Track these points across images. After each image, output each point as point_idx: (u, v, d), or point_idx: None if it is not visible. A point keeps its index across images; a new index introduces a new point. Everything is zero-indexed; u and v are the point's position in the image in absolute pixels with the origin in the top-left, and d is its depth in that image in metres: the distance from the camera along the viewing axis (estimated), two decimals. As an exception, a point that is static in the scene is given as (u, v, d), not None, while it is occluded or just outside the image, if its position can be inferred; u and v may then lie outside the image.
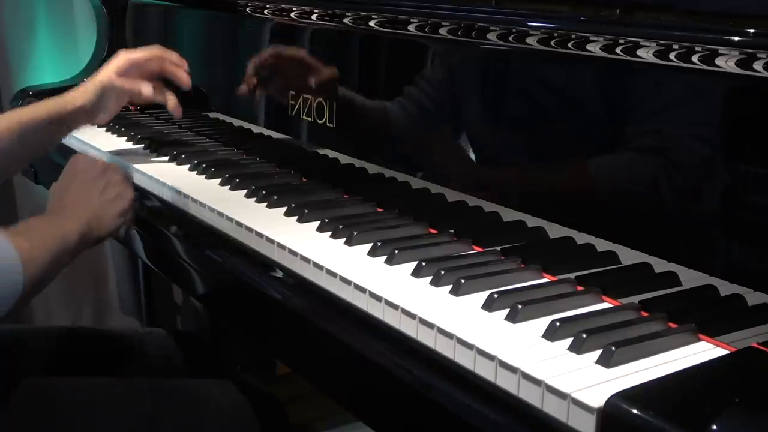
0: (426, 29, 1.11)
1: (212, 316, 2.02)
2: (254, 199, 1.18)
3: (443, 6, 1.11)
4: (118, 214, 1.17)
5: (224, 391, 1.13)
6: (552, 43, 0.95)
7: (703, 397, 0.65)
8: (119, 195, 1.18)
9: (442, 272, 0.88)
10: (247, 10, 1.47)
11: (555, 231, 1.00)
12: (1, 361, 1.19)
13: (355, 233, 1.00)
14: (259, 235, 1.04)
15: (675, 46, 0.83)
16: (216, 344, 1.98)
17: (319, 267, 0.94)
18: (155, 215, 1.27)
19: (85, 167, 1.19)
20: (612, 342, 0.71)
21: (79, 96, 1.34)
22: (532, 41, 0.97)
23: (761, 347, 0.72)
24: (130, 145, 1.54)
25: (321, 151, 1.35)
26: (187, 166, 1.36)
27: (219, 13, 1.59)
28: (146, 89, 1.38)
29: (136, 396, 1.09)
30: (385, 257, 0.95)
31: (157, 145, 1.48)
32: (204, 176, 1.30)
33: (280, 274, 1.00)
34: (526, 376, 0.69)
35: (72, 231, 1.08)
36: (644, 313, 0.80)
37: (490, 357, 0.72)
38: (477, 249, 0.99)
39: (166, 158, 1.42)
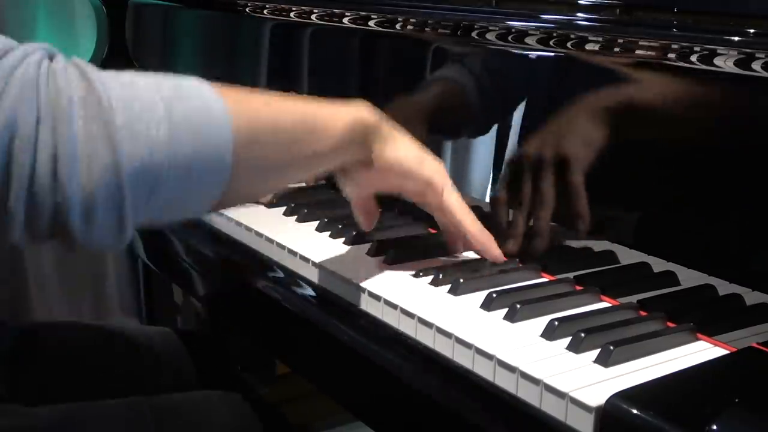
0: (426, 29, 1.11)
1: (212, 316, 2.02)
2: (254, 198, 1.18)
3: (444, 6, 1.11)
4: (419, 156, 0.87)
5: (224, 401, 1.13)
6: (551, 43, 0.95)
7: (703, 397, 0.65)
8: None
9: (441, 272, 0.88)
10: (247, 10, 1.47)
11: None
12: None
13: (355, 233, 1.00)
14: (259, 234, 1.04)
15: (674, 46, 0.83)
16: (216, 344, 1.98)
17: (319, 267, 0.94)
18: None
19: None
20: (610, 341, 0.71)
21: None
22: (531, 41, 0.97)
23: (761, 347, 0.72)
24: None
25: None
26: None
27: (219, 13, 1.59)
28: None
29: (134, 412, 1.07)
30: (384, 257, 0.95)
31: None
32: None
33: (279, 273, 1.00)
34: (525, 376, 0.69)
35: (342, 119, 0.81)
36: (643, 313, 0.80)
37: (489, 356, 0.72)
38: (476, 249, 0.99)
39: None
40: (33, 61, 0.59)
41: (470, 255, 0.97)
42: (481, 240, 0.90)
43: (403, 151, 0.85)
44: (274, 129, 0.73)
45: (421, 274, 0.90)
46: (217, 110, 0.66)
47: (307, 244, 0.99)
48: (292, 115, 0.76)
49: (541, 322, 0.77)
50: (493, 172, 1.07)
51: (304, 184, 1.26)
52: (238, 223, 1.09)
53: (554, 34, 0.94)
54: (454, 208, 0.88)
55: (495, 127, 1.07)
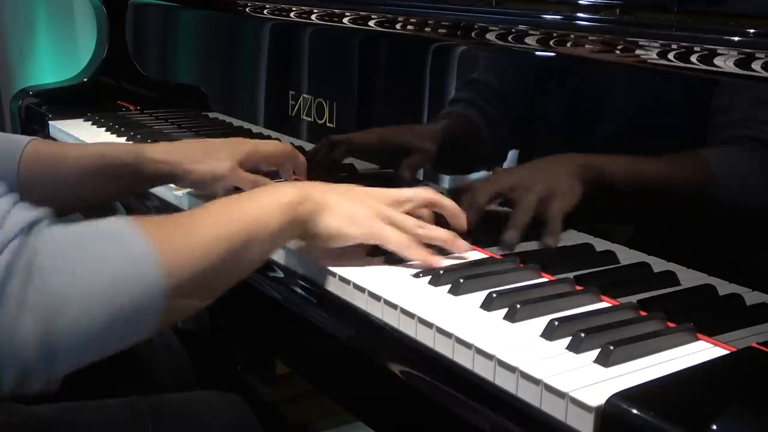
0: (426, 29, 1.11)
1: (212, 316, 2.02)
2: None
3: (443, 6, 1.11)
4: (353, 219, 0.90)
5: (222, 401, 1.13)
6: (551, 43, 0.95)
7: (703, 397, 0.65)
8: (368, 204, 0.92)
9: (441, 272, 0.88)
10: (247, 10, 1.47)
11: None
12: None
13: (355, 233, 1.00)
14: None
15: (674, 46, 0.83)
16: (216, 344, 1.98)
17: (319, 267, 0.94)
18: (155, 214, 1.27)
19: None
20: (610, 341, 0.71)
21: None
22: (531, 41, 0.97)
23: (761, 347, 0.72)
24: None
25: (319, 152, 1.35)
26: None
27: (219, 13, 1.59)
28: None
29: (132, 412, 1.07)
30: (384, 257, 0.95)
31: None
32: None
33: (279, 273, 1.00)
34: (525, 376, 0.69)
35: (277, 209, 0.84)
36: (643, 313, 0.80)
37: (489, 356, 0.72)
38: (476, 249, 0.99)
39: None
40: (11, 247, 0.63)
41: (471, 254, 0.97)
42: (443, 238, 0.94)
43: (336, 221, 0.89)
44: (205, 266, 0.75)
45: (421, 274, 0.90)
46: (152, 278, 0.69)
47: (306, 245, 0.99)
48: (223, 241, 0.77)
49: (541, 322, 0.77)
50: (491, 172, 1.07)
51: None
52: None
53: (554, 35, 0.94)
54: (393, 239, 0.91)
55: (495, 128, 1.08)
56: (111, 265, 0.67)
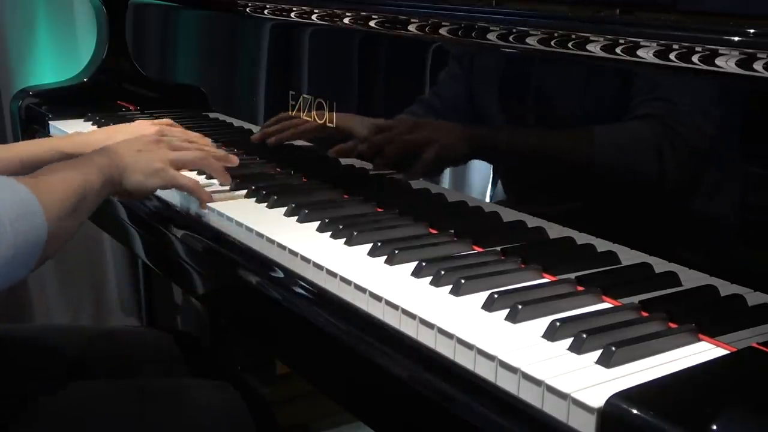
0: (426, 29, 1.11)
1: (212, 316, 2.02)
2: (254, 199, 1.18)
3: (443, 6, 1.11)
4: (150, 172, 1.14)
5: (216, 392, 1.13)
6: (552, 43, 0.95)
7: (703, 397, 0.65)
8: (158, 156, 1.15)
9: (442, 272, 0.88)
10: (247, 10, 1.47)
11: (555, 231, 1.00)
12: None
13: (355, 233, 1.00)
14: (260, 235, 1.04)
15: (675, 46, 0.83)
16: (216, 344, 1.98)
17: (319, 267, 0.94)
18: (155, 215, 1.27)
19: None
20: (612, 342, 0.71)
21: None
22: (531, 41, 0.97)
23: (761, 347, 0.72)
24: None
25: (321, 152, 1.35)
26: (187, 166, 1.36)
27: (219, 13, 1.59)
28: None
29: (127, 397, 1.08)
30: (385, 257, 0.95)
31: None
32: (204, 176, 1.30)
33: (280, 274, 1.00)
34: (527, 376, 0.69)
35: (96, 171, 1.05)
36: (644, 313, 0.80)
37: (491, 357, 0.72)
38: (477, 249, 0.99)
39: (166, 158, 1.42)
40: None
41: (471, 254, 0.97)
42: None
43: (137, 177, 1.13)
44: (69, 207, 0.98)
45: (422, 274, 0.90)
46: (38, 214, 0.91)
47: (307, 245, 0.99)
48: (74, 190, 0.99)
49: (543, 322, 0.77)
50: (492, 172, 1.07)
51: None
52: (239, 224, 1.08)
53: (555, 34, 0.94)
54: (185, 182, 1.17)
55: (498, 128, 1.08)
56: (12, 207, 0.88)
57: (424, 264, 0.91)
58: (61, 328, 1.35)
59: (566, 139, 0.98)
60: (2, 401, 1.03)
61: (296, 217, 1.10)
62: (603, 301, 0.84)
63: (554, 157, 1.00)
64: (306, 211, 1.09)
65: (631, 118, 0.91)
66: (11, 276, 0.89)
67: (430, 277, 0.89)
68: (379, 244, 0.97)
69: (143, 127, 1.35)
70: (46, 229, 0.91)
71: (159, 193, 1.28)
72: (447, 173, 1.14)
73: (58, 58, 2.17)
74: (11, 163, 1.25)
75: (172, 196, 1.25)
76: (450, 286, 0.86)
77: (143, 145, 1.17)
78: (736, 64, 0.78)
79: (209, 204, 1.16)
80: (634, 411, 0.61)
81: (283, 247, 1.00)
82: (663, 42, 0.84)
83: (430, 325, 0.78)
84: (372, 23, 1.19)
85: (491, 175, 1.08)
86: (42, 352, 1.23)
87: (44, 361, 1.21)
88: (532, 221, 1.02)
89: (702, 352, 0.74)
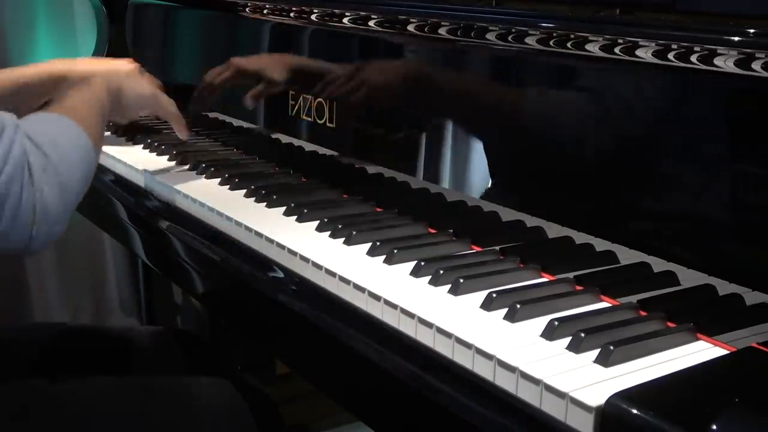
0: (425, 29, 1.11)
1: (212, 316, 2.02)
2: (253, 198, 1.18)
3: (443, 6, 1.11)
4: (145, 94, 1.32)
5: (218, 389, 1.14)
6: (551, 43, 0.95)
7: (703, 397, 0.65)
8: (148, 80, 1.35)
9: (441, 272, 0.88)
10: (247, 10, 1.47)
11: (554, 231, 1.00)
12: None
13: (354, 233, 1.00)
14: (259, 234, 1.04)
15: (674, 46, 0.83)
16: (216, 344, 1.99)
17: (318, 266, 0.94)
18: (155, 214, 1.27)
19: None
20: (610, 341, 0.71)
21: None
22: (531, 41, 0.97)
23: (760, 347, 0.72)
24: (129, 145, 1.54)
25: (321, 151, 1.35)
26: (187, 166, 1.36)
27: (219, 13, 1.59)
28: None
29: (128, 395, 1.09)
30: (384, 257, 0.95)
31: (159, 146, 1.48)
32: (204, 176, 1.30)
33: (279, 273, 1.00)
34: (525, 376, 0.69)
35: (105, 92, 1.18)
36: (643, 313, 0.80)
37: (489, 356, 0.72)
38: (476, 248, 0.99)
39: (166, 158, 1.42)
40: (18, 140, 0.88)
41: (470, 254, 0.97)
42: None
43: (140, 87, 1.33)
44: (96, 123, 1.10)
45: (420, 273, 0.90)
46: (83, 137, 1.02)
47: (306, 244, 0.99)
48: (96, 108, 1.13)
49: (541, 322, 0.77)
50: (490, 172, 1.07)
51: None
52: (238, 223, 1.09)
53: (554, 34, 0.94)
54: (172, 106, 1.38)
55: (498, 128, 1.08)
56: (75, 142, 0.99)
57: (423, 263, 0.91)
58: (60, 327, 1.35)
59: (566, 139, 0.98)
60: (2, 400, 1.03)
61: (295, 217, 1.10)
62: (601, 301, 0.84)
63: (554, 156, 1.00)
64: (305, 211, 1.09)
65: (630, 118, 0.91)
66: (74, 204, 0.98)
67: (429, 277, 0.89)
68: (378, 243, 0.97)
69: (123, 62, 1.42)
70: (93, 151, 1.03)
71: (159, 193, 1.28)
72: (447, 173, 1.14)
73: (58, 58, 2.17)
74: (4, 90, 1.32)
75: (171, 196, 1.25)
76: (449, 286, 0.86)
77: (130, 71, 1.34)
78: (734, 64, 0.78)
79: (209, 204, 1.16)
80: (635, 411, 0.61)
81: (283, 247, 1.00)
82: (662, 42, 0.84)
83: (429, 325, 0.78)
84: (372, 23, 1.20)
85: (491, 175, 1.08)
86: (42, 350, 1.23)
87: (44, 359, 1.22)
88: (531, 221, 1.02)
89: (700, 351, 0.74)
